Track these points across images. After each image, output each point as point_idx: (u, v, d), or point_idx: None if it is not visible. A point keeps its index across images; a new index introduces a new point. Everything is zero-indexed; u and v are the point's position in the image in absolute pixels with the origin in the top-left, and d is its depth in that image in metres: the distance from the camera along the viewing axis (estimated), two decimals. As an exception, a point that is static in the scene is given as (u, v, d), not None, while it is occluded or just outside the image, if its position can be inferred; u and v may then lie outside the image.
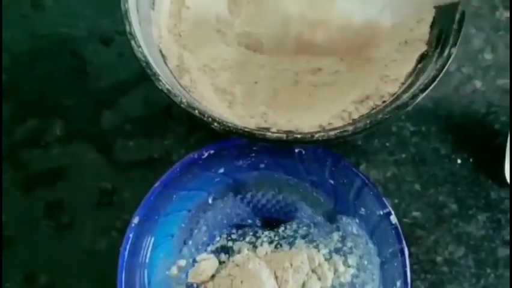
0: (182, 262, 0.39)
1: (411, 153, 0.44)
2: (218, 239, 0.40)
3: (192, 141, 0.45)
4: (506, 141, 0.43)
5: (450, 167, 0.44)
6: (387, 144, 0.44)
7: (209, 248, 0.40)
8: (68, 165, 0.44)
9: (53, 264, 0.42)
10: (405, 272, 0.35)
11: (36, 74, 0.47)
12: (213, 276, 0.38)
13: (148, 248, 0.38)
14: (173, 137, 0.45)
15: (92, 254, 0.42)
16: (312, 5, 0.37)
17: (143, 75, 0.45)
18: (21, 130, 0.46)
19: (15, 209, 0.43)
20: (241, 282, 0.36)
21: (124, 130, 0.45)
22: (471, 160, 0.44)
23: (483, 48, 0.47)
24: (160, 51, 0.38)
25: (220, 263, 0.39)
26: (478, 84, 0.46)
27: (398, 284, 0.35)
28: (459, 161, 0.44)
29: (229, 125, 0.32)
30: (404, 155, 0.44)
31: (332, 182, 0.39)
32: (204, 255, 0.39)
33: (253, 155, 0.39)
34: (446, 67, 0.33)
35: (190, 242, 0.39)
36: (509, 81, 0.45)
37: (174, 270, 0.39)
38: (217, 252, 0.40)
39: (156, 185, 0.37)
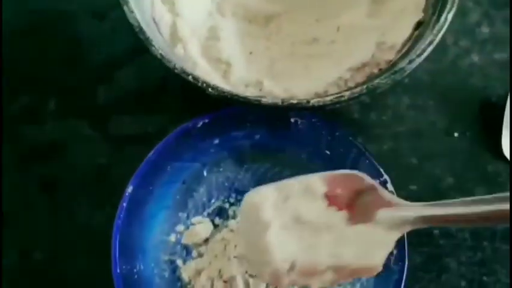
0: (180, 227, 0.39)
1: (408, 126, 0.44)
2: (214, 200, 0.40)
3: (187, 116, 0.44)
4: (503, 115, 0.43)
5: (447, 141, 0.43)
6: (383, 117, 0.44)
7: (205, 212, 0.39)
8: (63, 140, 0.44)
9: (49, 240, 0.41)
10: (401, 239, 0.34)
11: (30, 49, 0.47)
12: (206, 240, 0.38)
13: (143, 219, 0.37)
14: (168, 112, 0.44)
15: (88, 229, 0.41)
16: None
17: (138, 50, 0.46)
18: (16, 106, 0.45)
19: (10, 185, 0.43)
20: (235, 246, 0.36)
21: (118, 105, 0.45)
22: (468, 134, 0.43)
23: (480, 22, 0.46)
24: (153, 19, 0.37)
25: (215, 226, 0.39)
26: (475, 58, 0.46)
27: (395, 251, 0.35)
28: (456, 135, 0.43)
29: (224, 90, 0.32)
30: (400, 129, 0.44)
31: (328, 152, 0.38)
32: (198, 218, 0.39)
33: (249, 125, 0.38)
34: (443, 32, 0.33)
35: (188, 208, 0.40)
36: (506, 54, 0.45)
37: (172, 238, 0.39)
38: (213, 215, 0.39)
39: (150, 154, 0.36)
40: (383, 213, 0.29)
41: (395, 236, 0.30)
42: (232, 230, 0.37)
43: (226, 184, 0.40)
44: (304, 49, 0.39)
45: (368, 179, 0.30)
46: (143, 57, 0.46)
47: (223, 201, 0.40)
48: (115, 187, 0.40)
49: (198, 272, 0.37)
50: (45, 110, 0.45)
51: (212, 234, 0.38)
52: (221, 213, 0.40)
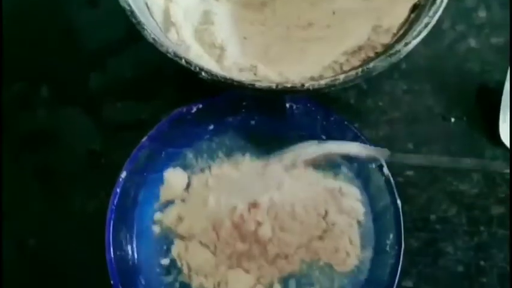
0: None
1: (404, 112, 0.43)
2: (201, 161, 0.39)
3: (181, 103, 0.44)
4: (500, 100, 0.42)
5: (443, 126, 0.43)
6: (380, 103, 0.44)
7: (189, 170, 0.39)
8: (56, 128, 0.44)
9: (43, 228, 0.41)
10: (397, 223, 0.34)
11: (22, 36, 0.46)
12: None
13: (136, 205, 0.37)
14: (162, 99, 0.44)
15: (82, 216, 0.41)
16: None
17: (132, 37, 0.45)
18: (8, 94, 0.45)
19: (3, 174, 0.42)
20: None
21: (112, 92, 0.44)
22: (465, 118, 0.43)
23: (477, 6, 0.46)
24: (146, 4, 0.37)
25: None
26: (472, 42, 0.45)
27: (391, 236, 0.35)
28: (453, 120, 0.43)
29: (218, 74, 0.32)
30: (397, 114, 0.43)
31: (324, 137, 0.38)
32: (170, 170, 0.38)
33: (244, 110, 0.38)
34: (439, 14, 0.33)
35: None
36: (503, 39, 0.45)
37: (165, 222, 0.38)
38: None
39: (144, 139, 0.36)
40: None
41: None
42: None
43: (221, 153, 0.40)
44: (299, 33, 0.39)
45: None
46: (137, 44, 0.45)
47: (210, 161, 0.39)
48: (108, 174, 0.40)
49: (180, 219, 0.37)
50: (37, 98, 0.44)
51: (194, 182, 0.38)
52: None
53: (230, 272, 0.36)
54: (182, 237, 0.37)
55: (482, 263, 0.40)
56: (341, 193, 0.38)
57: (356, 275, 0.36)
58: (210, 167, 0.39)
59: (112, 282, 0.34)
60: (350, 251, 0.37)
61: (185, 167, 0.39)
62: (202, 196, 0.37)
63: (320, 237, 0.37)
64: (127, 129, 0.43)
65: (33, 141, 0.43)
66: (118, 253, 0.34)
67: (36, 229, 0.41)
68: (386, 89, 0.44)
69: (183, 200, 0.38)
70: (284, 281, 0.37)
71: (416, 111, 0.43)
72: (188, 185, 0.38)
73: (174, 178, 0.38)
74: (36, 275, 0.40)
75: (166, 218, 0.37)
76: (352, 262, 0.37)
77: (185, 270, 0.37)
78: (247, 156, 0.39)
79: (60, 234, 0.41)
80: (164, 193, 0.38)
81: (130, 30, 0.45)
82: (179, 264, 0.37)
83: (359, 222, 0.38)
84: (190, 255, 0.37)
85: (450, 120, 0.43)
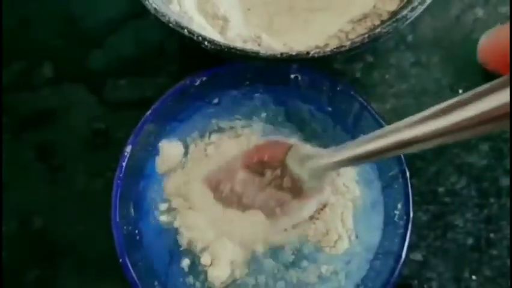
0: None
1: (412, 84, 0.43)
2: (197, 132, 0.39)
3: (185, 79, 0.43)
4: (509, 70, 0.41)
5: (451, 98, 0.42)
6: (386, 76, 0.43)
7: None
8: (59, 106, 0.43)
9: (48, 207, 0.41)
10: (406, 192, 0.34)
11: (21, 14, 0.46)
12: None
13: (141, 179, 0.37)
14: (166, 75, 0.43)
15: (87, 195, 0.41)
16: None
17: (134, 13, 0.45)
18: (8, 73, 0.44)
19: (6, 153, 0.42)
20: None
21: (115, 69, 0.44)
22: (473, 90, 0.42)
23: (484, -25, 0.45)
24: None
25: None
26: (479, 12, 0.44)
27: (399, 206, 0.34)
28: (460, 91, 0.42)
29: (221, 43, 0.31)
30: (404, 87, 0.43)
31: (330, 108, 0.37)
32: (165, 141, 0.38)
33: (248, 83, 0.37)
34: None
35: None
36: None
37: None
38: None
39: (148, 113, 0.35)
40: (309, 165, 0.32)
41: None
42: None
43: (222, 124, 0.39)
44: (303, 3, 0.38)
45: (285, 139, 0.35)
46: (139, 20, 0.45)
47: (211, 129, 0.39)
48: (113, 152, 0.40)
49: (179, 187, 0.37)
50: (40, 76, 0.44)
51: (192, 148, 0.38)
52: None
53: (217, 239, 0.36)
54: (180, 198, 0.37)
55: (492, 235, 0.40)
56: (337, 172, 0.37)
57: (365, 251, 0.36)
58: (209, 134, 0.38)
59: (120, 260, 0.34)
60: (341, 233, 0.36)
61: (186, 140, 0.39)
62: (199, 162, 0.37)
63: (311, 216, 0.36)
64: (132, 107, 0.42)
65: (36, 121, 0.43)
66: (125, 228, 0.34)
67: (41, 209, 0.41)
68: (392, 61, 0.43)
69: (182, 168, 0.38)
70: (276, 251, 0.36)
71: (423, 83, 0.43)
72: (186, 152, 0.38)
73: (169, 149, 0.37)
74: (42, 254, 0.40)
75: (166, 188, 0.37)
76: (343, 246, 0.36)
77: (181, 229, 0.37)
78: (247, 130, 0.39)
79: (66, 213, 0.41)
80: (161, 166, 0.37)
81: (133, 6, 0.44)
82: (176, 224, 0.37)
83: (354, 205, 0.37)
84: (184, 216, 0.37)
85: (458, 92, 0.42)
